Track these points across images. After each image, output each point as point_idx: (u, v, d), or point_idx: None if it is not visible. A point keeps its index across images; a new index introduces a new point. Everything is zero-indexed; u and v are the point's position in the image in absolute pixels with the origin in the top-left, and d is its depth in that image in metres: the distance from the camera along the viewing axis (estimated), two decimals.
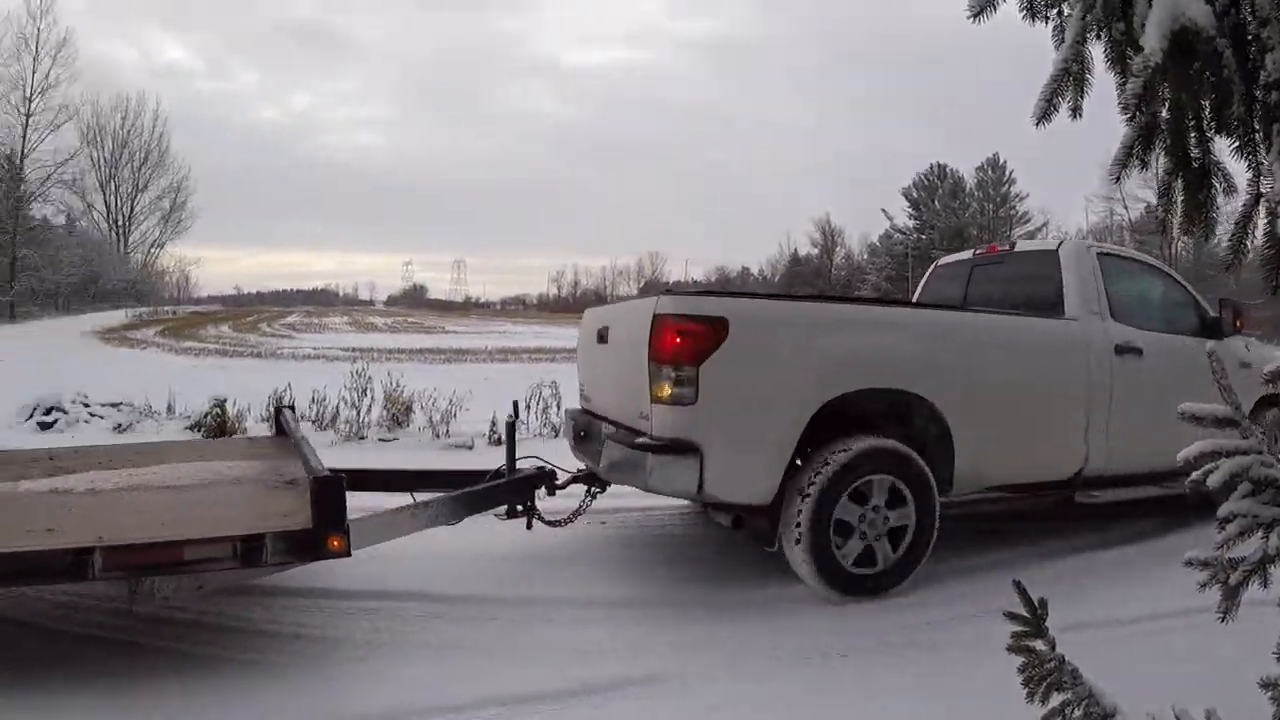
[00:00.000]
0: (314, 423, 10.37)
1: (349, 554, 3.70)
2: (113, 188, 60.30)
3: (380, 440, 9.79)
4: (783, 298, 6.04)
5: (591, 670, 3.82)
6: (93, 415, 10.50)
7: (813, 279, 61.20)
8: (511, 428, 5.39)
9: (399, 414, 10.52)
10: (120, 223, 61.72)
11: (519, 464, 5.29)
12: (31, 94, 45.00)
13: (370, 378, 10.83)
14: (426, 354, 23.21)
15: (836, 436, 4.57)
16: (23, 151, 45.50)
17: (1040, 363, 5.26)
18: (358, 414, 10.27)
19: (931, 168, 56.17)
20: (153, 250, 65.71)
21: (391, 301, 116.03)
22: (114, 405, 10.77)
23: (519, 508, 5.13)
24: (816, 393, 4.47)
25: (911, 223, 55.54)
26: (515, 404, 5.96)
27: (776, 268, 70.54)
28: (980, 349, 5.02)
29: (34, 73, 45.14)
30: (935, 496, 4.69)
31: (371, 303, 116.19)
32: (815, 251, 66.60)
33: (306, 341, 31.90)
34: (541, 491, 5.33)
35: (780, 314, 4.72)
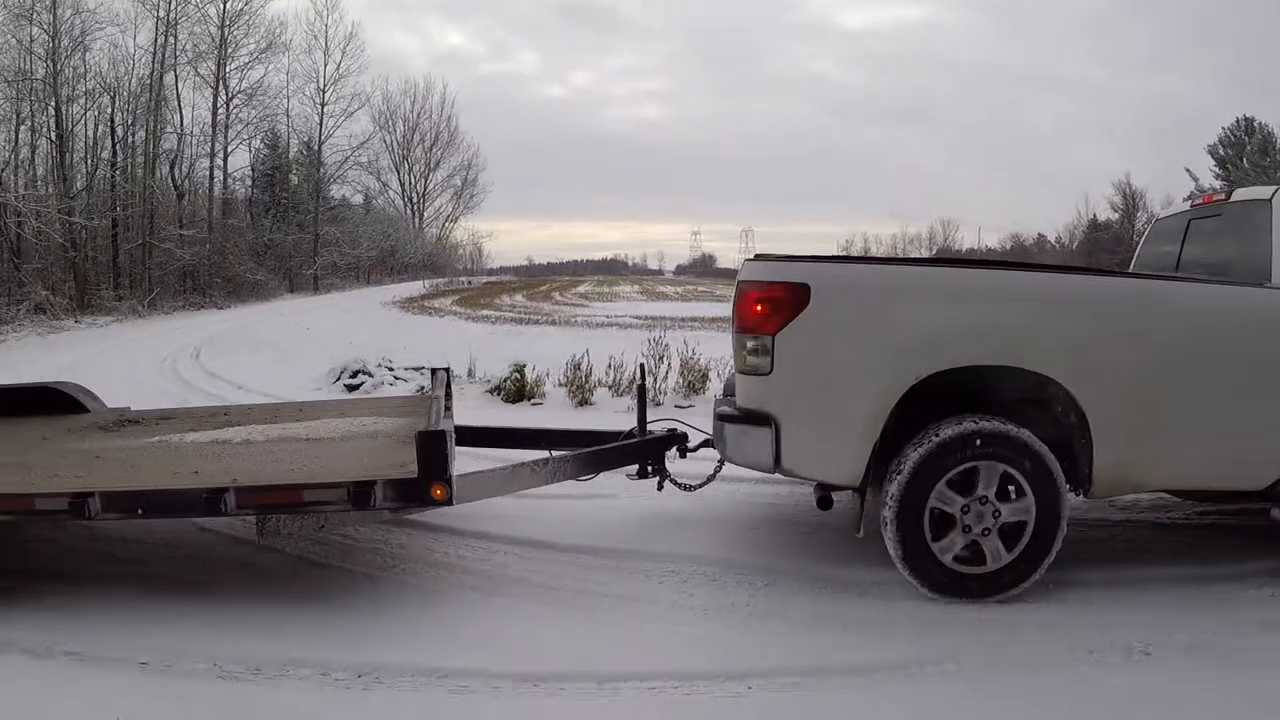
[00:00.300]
0: (610, 388, 10.08)
1: (451, 503, 3.96)
2: (406, 167, 64.40)
3: (676, 407, 9.04)
4: (879, 261, 5.37)
5: (813, 644, 3.71)
6: (396, 378, 10.67)
7: (1113, 246, 55.05)
8: (641, 389, 5.48)
9: (694, 381, 10.09)
10: (415, 200, 65.88)
11: (652, 426, 5.35)
12: (325, 85, 48.73)
13: (667, 345, 10.45)
14: (719, 322, 22.14)
15: (943, 417, 4.08)
16: (320, 138, 49.71)
17: (1212, 342, 4.25)
18: (654, 381, 9.79)
19: (1238, 122, 48.98)
20: (447, 224, 69.65)
21: (680, 271, 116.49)
22: (415, 369, 10.86)
23: (650, 468, 5.14)
24: (909, 367, 4.05)
25: (1219, 183, 48.75)
26: (642, 367, 6.09)
27: (1074, 234, 64.34)
28: (1125, 323, 4.17)
29: (325, 65, 48.72)
30: (1060, 492, 4.06)
31: (660, 272, 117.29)
32: (1115, 216, 60.13)
33: (599, 309, 31.94)
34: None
35: (869, 280, 4.39)
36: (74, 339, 21.98)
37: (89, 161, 34.13)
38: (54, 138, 31.79)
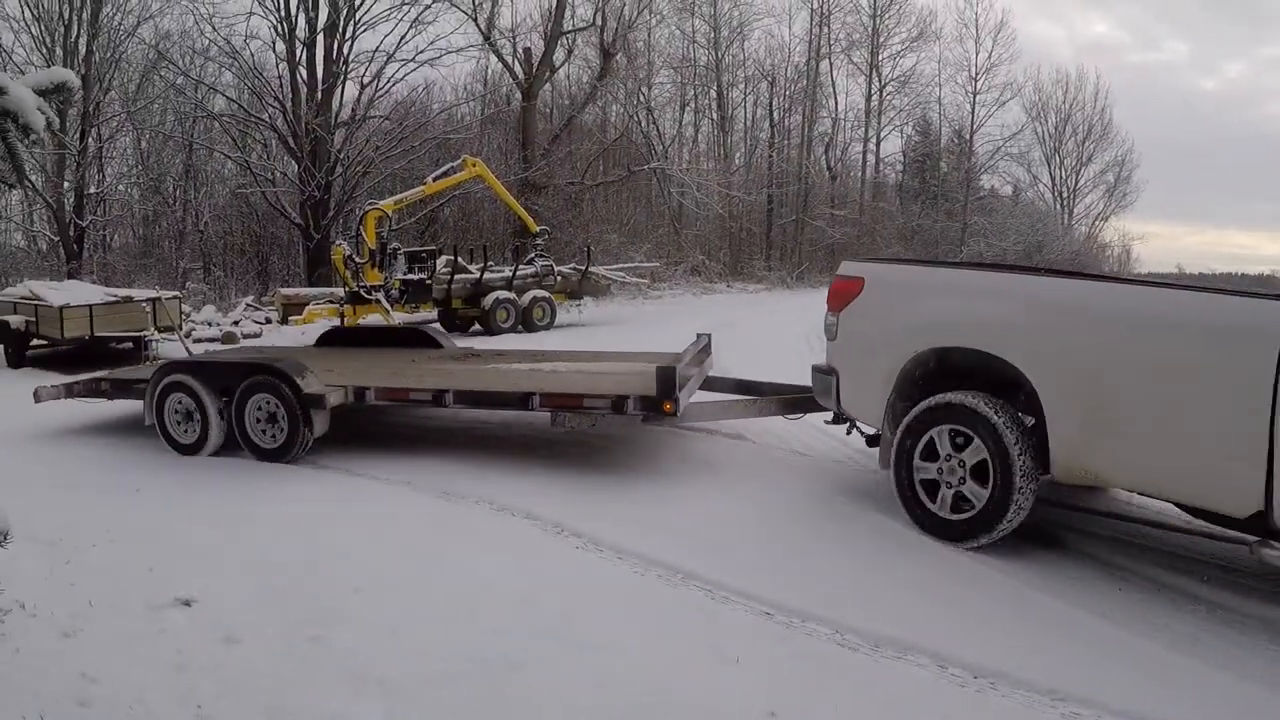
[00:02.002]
0: None
1: (676, 415, 5.67)
2: (1057, 161, 59.52)
3: None
4: (916, 262, 6.97)
5: None
6: None
7: None
8: None
9: None
10: (1064, 195, 60.59)
11: None
12: (976, 74, 46.03)
13: None
14: None
15: (958, 388, 4.80)
16: (972, 127, 47.23)
17: (1169, 349, 4.12)
18: None
19: None
20: (1096, 223, 63.19)
21: None
22: None
23: (841, 416, 5.85)
24: (906, 343, 5.01)
25: None
26: None
27: None
28: (1076, 322, 4.44)
29: (976, 54, 46.25)
30: (1014, 463, 4.47)
31: None
32: None
33: None
34: None
35: (896, 277, 5.48)
36: (726, 301, 22.34)
37: (747, 141, 36.25)
38: (715, 119, 34.27)
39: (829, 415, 5.91)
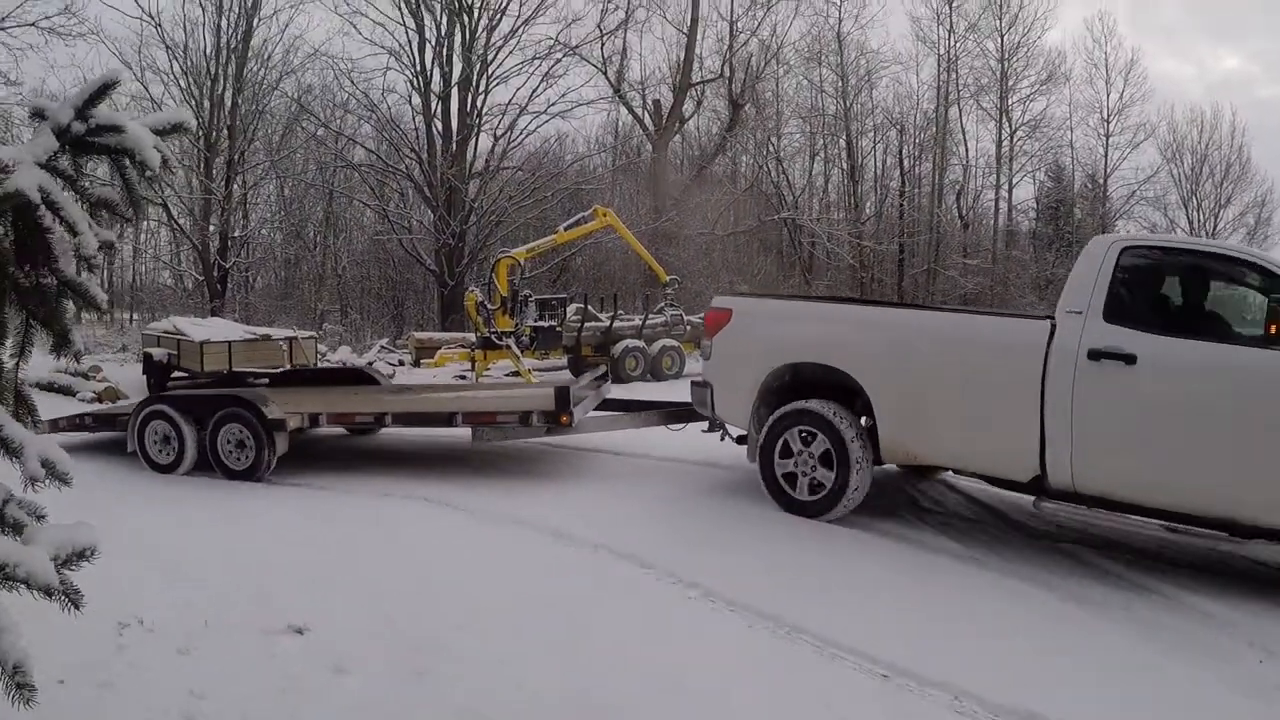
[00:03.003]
0: None
1: (572, 426, 6.98)
2: (1194, 203, 56.57)
3: None
4: (775, 296, 8.83)
5: None
6: None
7: None
8: None
9: None
10: (1203, 239, 57.47)
11: None
12: (1108, 116, 43.48)
13: None
14: None
15: (814, 397, 6.00)
16: (1105, 171, 44.52)
17: (966, 359, 5.44)
18: None
19: None
20: None
21: None
22: None
23: (715, 425, 7.03)
24: (766, 360, 6.18)
25: None
26: None
27: None
28: (899, 339, 5.71)
29: (1107, 95, 43.55)
30: (851, 453, 5.69)
31: None
32: None
33: None
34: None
35: (757, 308, 6.75)
36: None
37: (877, 190, 35.11)
38: (845, 168, 33.34)
39: (705, 425, 7.19)
